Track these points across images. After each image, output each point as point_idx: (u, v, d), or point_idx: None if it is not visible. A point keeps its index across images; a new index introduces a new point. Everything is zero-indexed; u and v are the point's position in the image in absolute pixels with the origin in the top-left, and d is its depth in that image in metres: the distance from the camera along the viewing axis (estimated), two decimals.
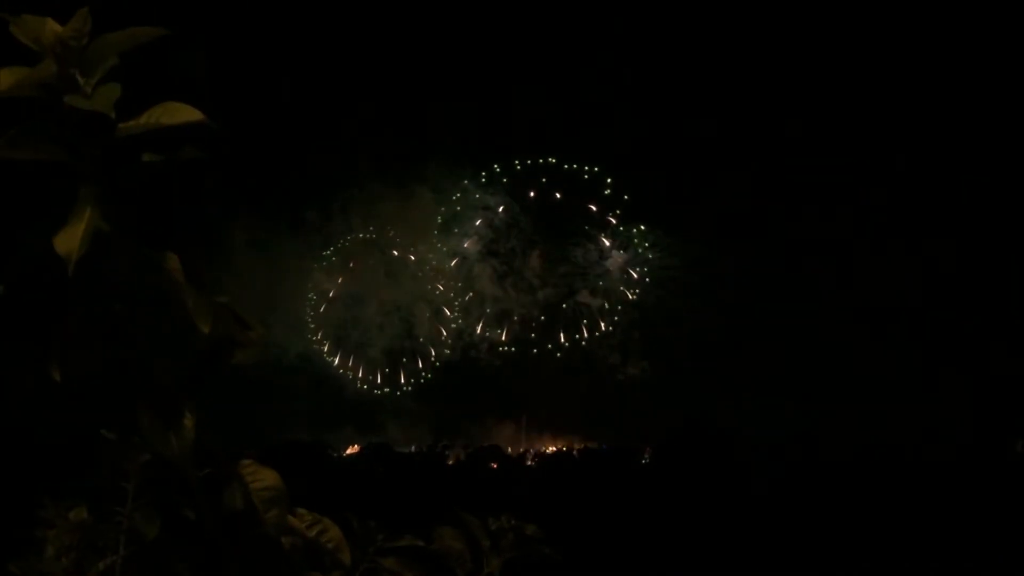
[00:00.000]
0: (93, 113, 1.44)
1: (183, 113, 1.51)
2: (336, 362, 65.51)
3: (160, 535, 1.75)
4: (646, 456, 60.12)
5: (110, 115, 1.45)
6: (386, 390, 65.67)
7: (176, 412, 1.57)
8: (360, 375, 65.81)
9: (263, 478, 1.76)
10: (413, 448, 64.31)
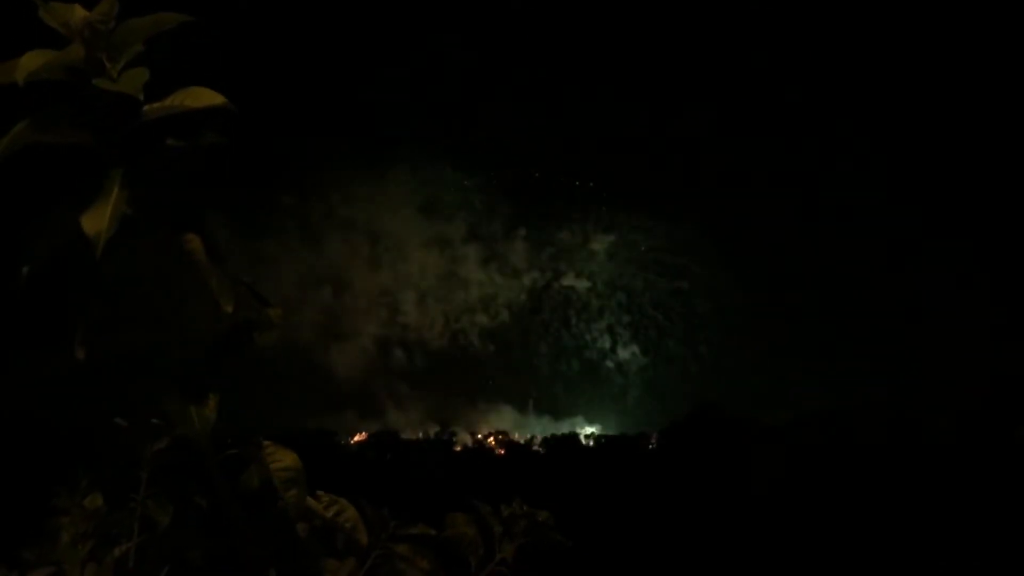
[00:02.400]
0: (119, 96, 1.46)
1: (206, 97, 1.54)
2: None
3: (174, 522, 1.78)
4: (652, 442, 60.23)
5: (138, 97, 1.48)
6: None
7: (199, 393, 1.59)
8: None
9: (282, 459, 1.79)
10: (420, 435, 64.37)
